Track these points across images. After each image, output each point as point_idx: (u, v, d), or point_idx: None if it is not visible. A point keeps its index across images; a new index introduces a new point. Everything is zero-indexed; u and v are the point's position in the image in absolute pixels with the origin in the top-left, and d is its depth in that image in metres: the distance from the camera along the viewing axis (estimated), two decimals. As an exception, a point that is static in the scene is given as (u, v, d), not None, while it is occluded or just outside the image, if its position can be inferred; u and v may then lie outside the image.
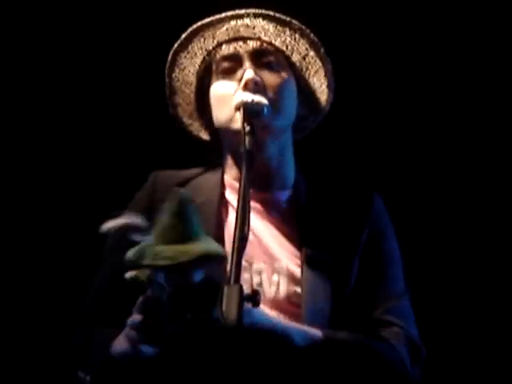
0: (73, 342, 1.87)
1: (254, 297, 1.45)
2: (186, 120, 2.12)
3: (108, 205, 1.69)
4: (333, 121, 2.14)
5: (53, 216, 2.80)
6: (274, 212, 1.98)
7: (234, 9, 1.98)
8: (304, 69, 2.02)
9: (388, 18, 2.82)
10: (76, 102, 2.83)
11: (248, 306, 1.43)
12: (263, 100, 1.87)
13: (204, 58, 2.02)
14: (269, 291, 1.86)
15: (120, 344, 1.66)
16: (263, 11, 1.96)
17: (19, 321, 2.73)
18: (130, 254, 1.62)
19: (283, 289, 1.87)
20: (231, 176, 2.01)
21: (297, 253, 1.92)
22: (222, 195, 1.99)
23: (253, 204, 1.89)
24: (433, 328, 2.41)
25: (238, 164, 1.99)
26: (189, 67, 2.04)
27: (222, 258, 1.61)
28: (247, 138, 1.77)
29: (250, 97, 1.87)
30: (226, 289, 1.42)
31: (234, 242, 1.52)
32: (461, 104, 2.85)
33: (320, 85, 2.03)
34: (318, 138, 2.20)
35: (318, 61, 2.00)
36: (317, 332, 1.79)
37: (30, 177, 2.81)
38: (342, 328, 1.84)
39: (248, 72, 1.91)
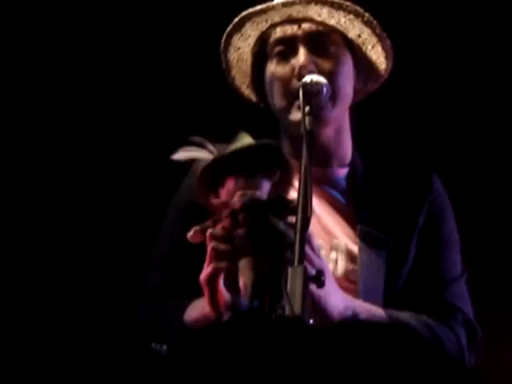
0: (141, 317, 1.88)
1: (319, 277, 1.44)
2: (245, 90, 2.12)
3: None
4: (392, 100, 2.12)
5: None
6: (331, 190, 1.99)
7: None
8: (361, 44, 1.99)
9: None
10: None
11: (313, 286, 1.43)
12: (322, 79, 1.86)
13: (258, 38, 2.00)
14: None
15: (194, 313, 1.69)
16: None
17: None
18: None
19: (341, 266, 1.88)
20: (287, 152, 2.01)
21: (355, 230, 1.92)
22: None
23: None
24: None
25: (293, 142, 1.99)
26: (244, 47, 2.03)
27: (282, 160, 1.60)
28: (307, 119, 1.75)
29: (308, 77, 1.85)
30: (290, 270, 1.41)
31: (296, 222, 1.51)
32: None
33: (378, 56, 2.01)
34: (377, 117, 2.17)
35: (374, 37, 1.97)
36: (380, 312, 1.80)
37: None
38: (396, 306, 1.84)
39: (302, 60, 1.89)
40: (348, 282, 1.86)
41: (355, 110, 2.06)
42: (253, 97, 2.12)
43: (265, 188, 1.61)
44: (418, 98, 2.81)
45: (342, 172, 2.02)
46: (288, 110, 1.92)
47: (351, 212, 1.96)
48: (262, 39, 1.99)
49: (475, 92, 2.84)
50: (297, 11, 1.92)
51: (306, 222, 1.50)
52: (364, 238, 1.90)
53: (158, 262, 1.96)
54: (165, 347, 1.74)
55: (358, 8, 1.94)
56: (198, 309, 1.70)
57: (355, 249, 1.90)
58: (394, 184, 2.01)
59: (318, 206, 1.95)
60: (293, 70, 1.90)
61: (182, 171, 1.98)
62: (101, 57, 2.86)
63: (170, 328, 1.74)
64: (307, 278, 1.41)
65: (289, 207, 1.56)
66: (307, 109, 1.77)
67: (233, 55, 2.05)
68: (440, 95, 2.84)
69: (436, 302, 1.91)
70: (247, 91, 2.11)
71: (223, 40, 2.03)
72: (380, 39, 1.97)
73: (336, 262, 1.89)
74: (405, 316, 1.83)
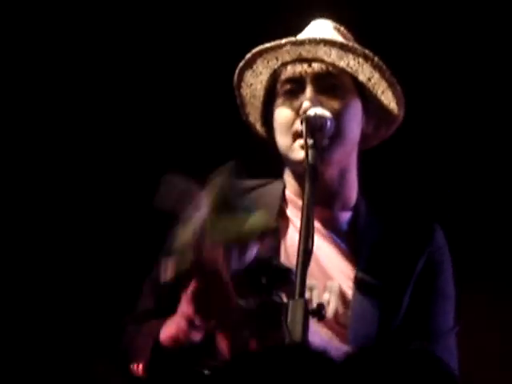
0: (123, 339, 1.87)
1: (319, 311, 1.44)
2: (260, 128, 2.10)
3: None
4: (401, 147, 2.12)
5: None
6: (333, 232, 1.98)
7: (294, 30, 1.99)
8: (371, 88, 1.98)
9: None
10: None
11: (313, 320, 1.43)
12: (326, 113, 1.86)
13: (270, 76, 2.00)
14: None
15: (169, 330, 1.67)
16: (325, 38, 1.94)
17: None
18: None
19: (332, 308, 1.87)
20: (292, 191, 2.01)
21: (351, 275, 1.92)
22: (282, 210, 1.99)
23: None
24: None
25: (298, 181, 1.98)
26: (256, 84, 2.03)
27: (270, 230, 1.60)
28: (310, 152, 1.76)
29: (312, 110, 1.85)
30: (290, 303, 1.42)
31: (298, 255, 1.52)
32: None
33: (389, 102, 2.00)
34: (384, 164, 2.17)
35: (383, 82, 1.96)
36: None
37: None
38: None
39: (305, 103, 1.89)
40: (338, 325, 1.85)
41: (364, 154, 2.06)
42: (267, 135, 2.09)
43: (254, 250, 1.61)
44: (428, 145, 2.83)
45: (346, 216, 2.01)
46: (289, 150, 1.92)
47: (351, 257, 1.95)
48: (274, 77, 2.00)
49: (484, 141, 2.85)
50: (307, 51, 1.93)
51: (307, 254, 1.51)
52: (359, 286, 1.89)
53: (149, 288, 1.94)
54: (141, 367, 1.71)
55: (366, 51, 1.93)
56: (172, 326, 1.68)
57: (349, 293, 1.89)
58: (395, 233, 2.00)
59: (318, 246, 1.91)
60: (298, 108, 1.90)
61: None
62: (108, 70, 2.91)
63: (145, 347, 1.71)
64: (308, 312, 1.41)
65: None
66: (311, 142, 1.78)
67: (245, 91, 2.05)
68: (448, 143, 2.85)
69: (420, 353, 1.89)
70: (262, 130, 2.10)
71: (236, 75, 2.03)
72: (390, 85, 1.96)
73: (328, 303, 1.87)
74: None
